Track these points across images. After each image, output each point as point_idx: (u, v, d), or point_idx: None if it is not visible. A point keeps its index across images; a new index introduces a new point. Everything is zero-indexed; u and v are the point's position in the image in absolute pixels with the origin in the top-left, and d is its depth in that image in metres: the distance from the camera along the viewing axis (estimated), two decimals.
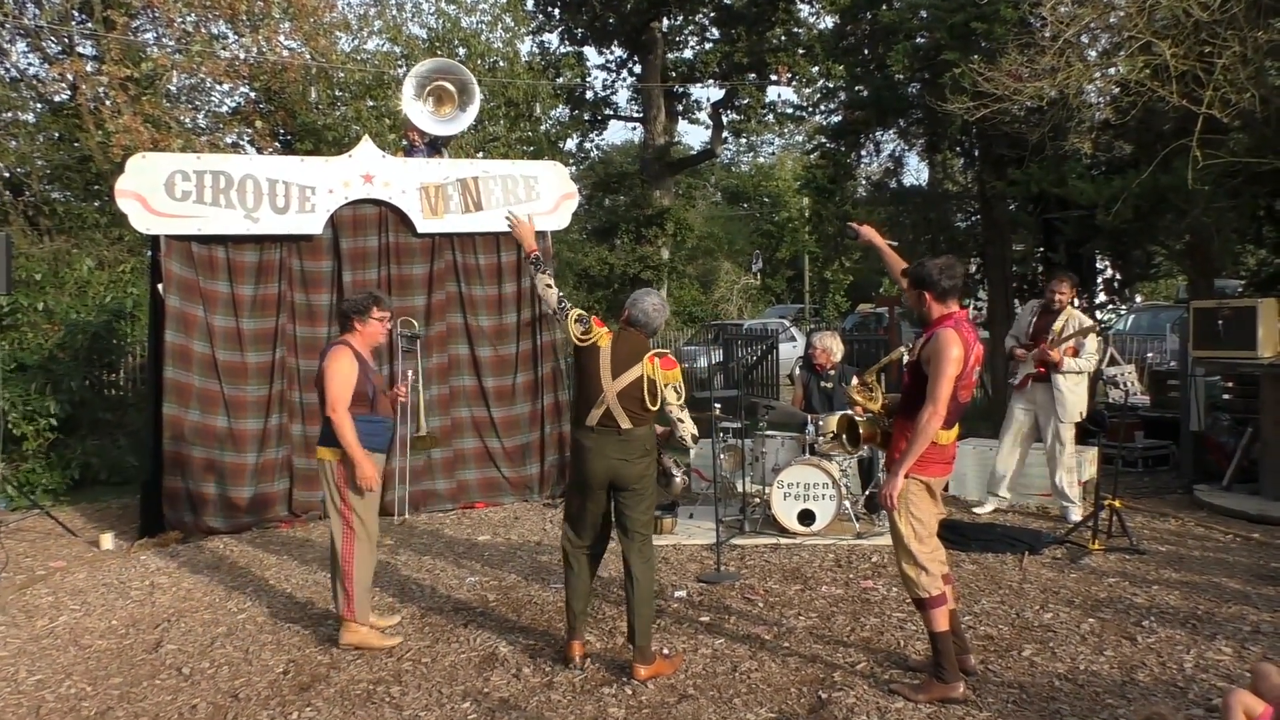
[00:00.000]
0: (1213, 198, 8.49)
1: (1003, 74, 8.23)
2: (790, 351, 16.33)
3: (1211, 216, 8.93)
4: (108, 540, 7.27)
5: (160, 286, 7.37)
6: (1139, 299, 20.05)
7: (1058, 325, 6.95)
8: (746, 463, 7.25)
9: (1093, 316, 12.09)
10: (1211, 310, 7.61)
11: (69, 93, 14.15)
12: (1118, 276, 13.22)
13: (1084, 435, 8.72)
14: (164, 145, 12.20)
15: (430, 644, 4.91)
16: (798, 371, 7.78)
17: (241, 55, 14.15)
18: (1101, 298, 13.32)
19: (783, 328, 18.75)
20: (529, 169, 8.61)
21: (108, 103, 13.05)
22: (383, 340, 5.09)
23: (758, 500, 7.14)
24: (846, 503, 6.79)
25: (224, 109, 15.66)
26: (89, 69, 13.72)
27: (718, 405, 6.93)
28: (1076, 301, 11.96)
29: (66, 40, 14.67)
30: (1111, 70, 8.63)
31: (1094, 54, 9.05)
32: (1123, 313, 16.92)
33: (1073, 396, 6.92)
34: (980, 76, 8.37)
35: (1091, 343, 6.91)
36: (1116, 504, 6.21)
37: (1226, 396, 8.39)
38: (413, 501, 7.94)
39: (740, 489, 7.19)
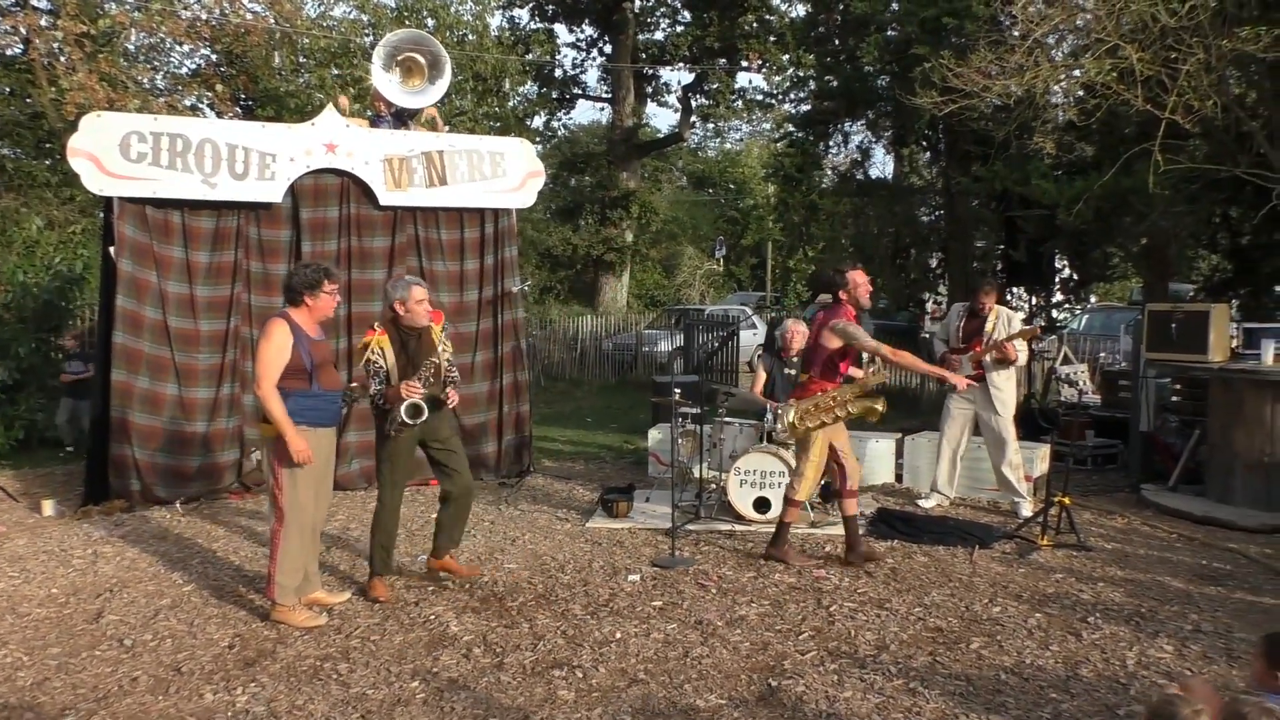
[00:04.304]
0: (1172, 202, 8.63)
1: (972, 70, 8.28)
2: (751, 339, 16.36)
3: (1170, 221, 9.09)
4: (49, 506, 7.11)
5: (112, 250, 7.18)
6: (1093, 299, 20.37)
7: (989, 326, 7.07)
8: (704, 449, 7.24)
9: (1048, 314, 12.29)
10: (1165, 313, 7.73)
11: (22, 47, 13.74)
12: (1075, 276, 13.42)
13: (1036, 432, 8.86)
14: (120, 105, 11.89)
15: (379, 621, 4.85)
16: (759, 357, 7.78)
17: (203, 16, 13.82)
18: (1058, 296, 13.52)
19: (744, 315, 18.79)
20: (495, 145, 8.51)
21: (62, 59, 12.71)
22: (330, 314, 4.96)
23: (714, 486, 7.14)
24: None
25: (183, 71, 15.31)
26: (43, 23, 13.33)
27: (677, 390, 6.92)
28: (1034, 299, 12.16)
29: None
30: (1078, 72, 8.71)
31: (1061, 55, 9.13)
32: (1078, 313, 17.17)
33: (1008, 390, 7.09)
34: (950, 72, 8.41)
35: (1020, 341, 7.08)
36: (1066, 501, 6.30)
37: (1176, 399, 8.54)
38: (365, 476, 7.85)
39: (697, 475, 7.19)
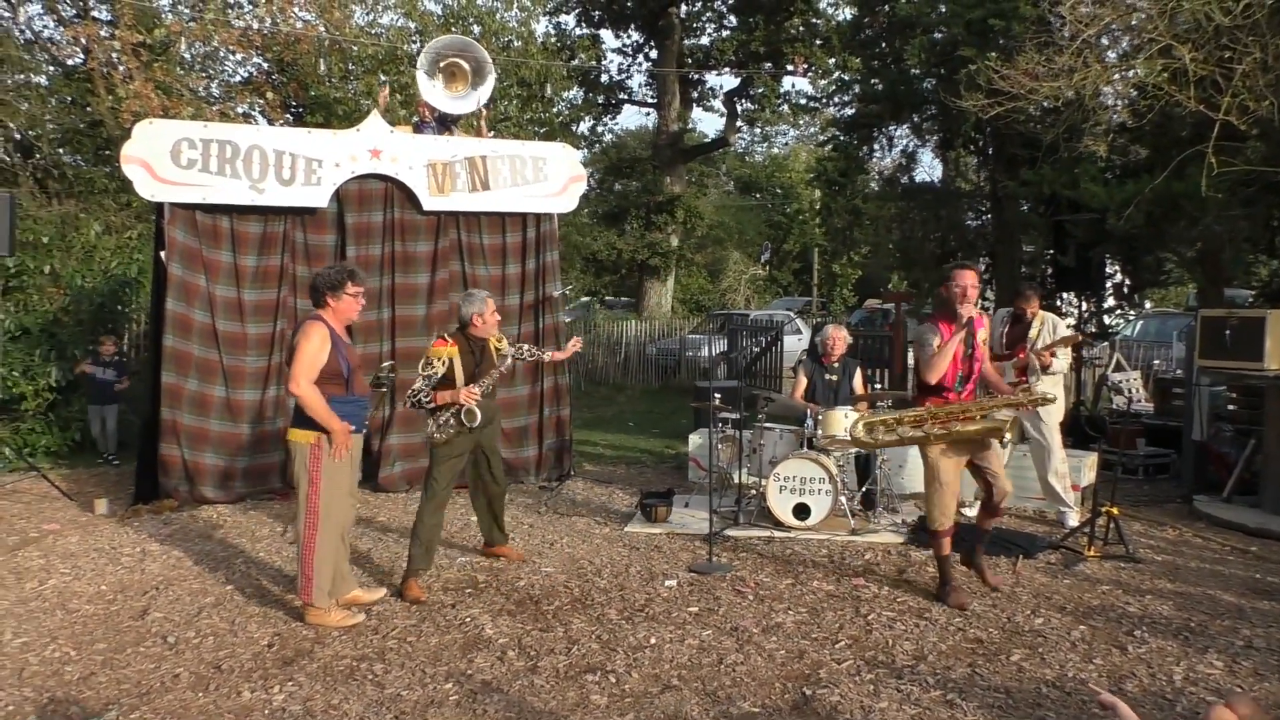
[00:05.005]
0: (1226, 206, 8.40)
1: (1019, 72, 8.14)
2: (795, 344, 16.26)
3: (1224, 225, 8.84)
4: (102, 505, 7.27)
5: (163, 254, 7.34)
6: (1148, 305, 19.93)
7: (1034, 332, 6.94)
8: (743, 454, 7.21)
9: (1099, 320, 12.04)
10: (1219, 320, 7.54)
11: (82, 56, 14.10)
12: (1127, 282, 13.12)
13: (1084, 441, 8.68)
14: (174, 112, 12.14)
15: (416, 623, 4.89)
16: (800, 363, 7.73)
17: (255, 25, 14.08)
18: (1110, 302, 13.23)
19: (788, 319, 18.68)
20: (538, 150, 8.55)
21: (120, 68, 13.00)
22: (356, 317, 5.00)
23: (753, 492, 7.10)
24: (842, 498, 6.75)
25: (236, 79, 15.59)
26: (102, 33, 13.66)
27: (717, 395, 6.89)
28: (1085, 305, 11.92)
29: (81, 3, 14.61)
30: (1130, 73, 8.53)
31: (1113, 56, 8.95)
32: (1131, 318, 16.81)
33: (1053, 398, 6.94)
34: (996, 74, 8.28)
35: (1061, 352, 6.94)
36: (1114, 511, 6.17)
37: (1231, 407, 8.32)
38: (407, 478, 7.92)
39: (736, 480, 7.16)
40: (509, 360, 5.74)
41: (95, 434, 9.42)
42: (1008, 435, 5.08)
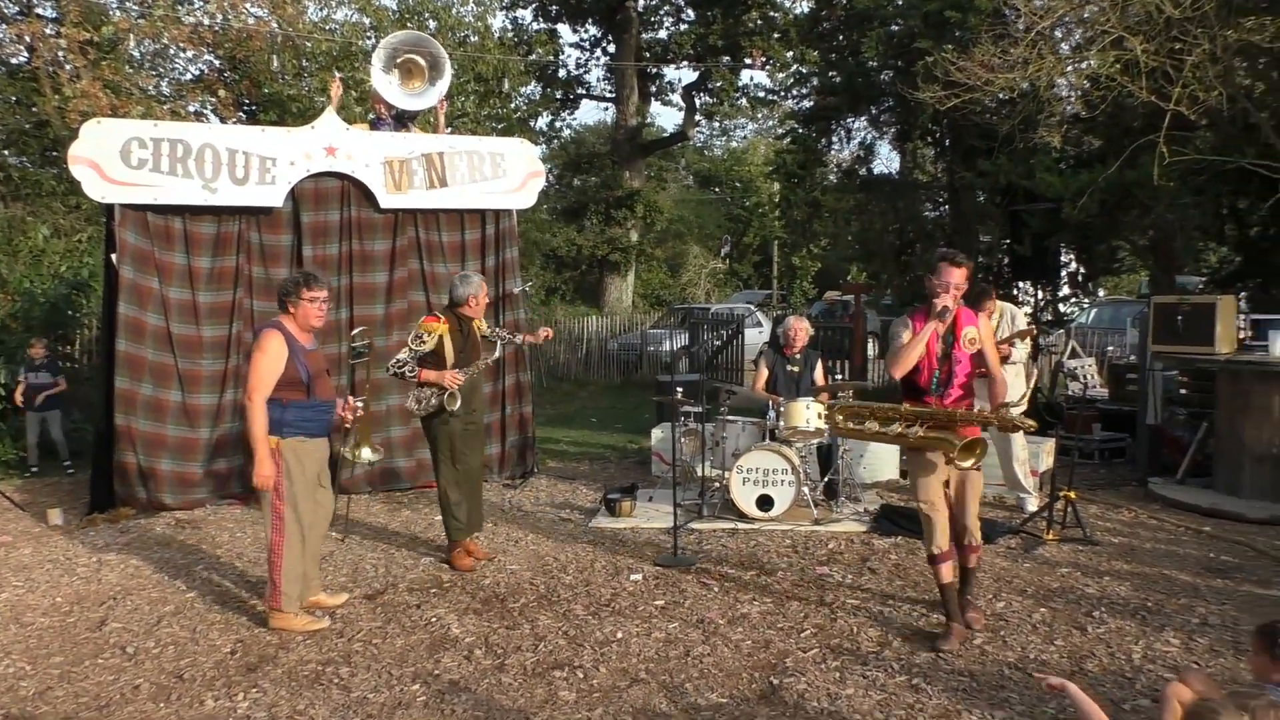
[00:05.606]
0: (1177, 194, 8.57)
1: (975, 64, 8.23)
2: (756, 338, 16.33)
3: (1176, 213, 9.01)
4: (55, 515, 7.13)
5: (114, 256, 7.20)
6: (1102, 293, 20.25)
7: (994, 324, 7.01)
8: (706, 447, 7.22)
9: (1055, 309, 12.22)
10: (1171, 306, 7.68)
11: (26, 55, 13.80)
12: (1082, 270, 13.32)
13: (1042, 427, 8.80)
14: (124, 112, 11.92)
15: (382, 625, 4.85)
16: (762, 354, 7.76)
17: (206, 21, 13.85)
18: (1065, 291, 13.42)
19: (749, 313, 18.75)
20: (495, 145, 8.49)
21: (66, 67, 12.73)
22: (318, 322, 4.91)
23: (717, 485, 7.12)
24: (805, 489, 6.79)
25: (187, 77, 15.34)
26: (47, 31, 13.37)
27: (679, 389, 6.90)
28: (1041, 293, 12.08)
29: (25, 0, 14.28)
30: (1083, 64, 8.65)
31: (1066, 48, 9.07)
32: (1085, 306, 17.06)
33: (1014, 386, 7.01)
34: (953, 66, 8.36)
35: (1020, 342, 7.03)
36: (1072, 495, 6.26)
37: (1183, 391, 8.48)
38: (371, 480, 7.85)
39: (700, 473, 7.17)
40: (497, 351, 5.90)
41: (31, 443, 9.06)
42: (960, 460, 4.30)
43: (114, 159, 7.15)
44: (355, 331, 5.71)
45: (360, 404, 5.43)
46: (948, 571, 4.54)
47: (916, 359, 4.48)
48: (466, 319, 5.75)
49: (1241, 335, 8.08)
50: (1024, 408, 7.18)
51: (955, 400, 4.52)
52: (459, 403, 5.55)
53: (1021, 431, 7.03)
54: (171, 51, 14.75)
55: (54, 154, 13.71)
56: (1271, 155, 7.63)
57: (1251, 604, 4.96)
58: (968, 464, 4.35)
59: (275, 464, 4.67)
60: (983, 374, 4.71)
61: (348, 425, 5.56)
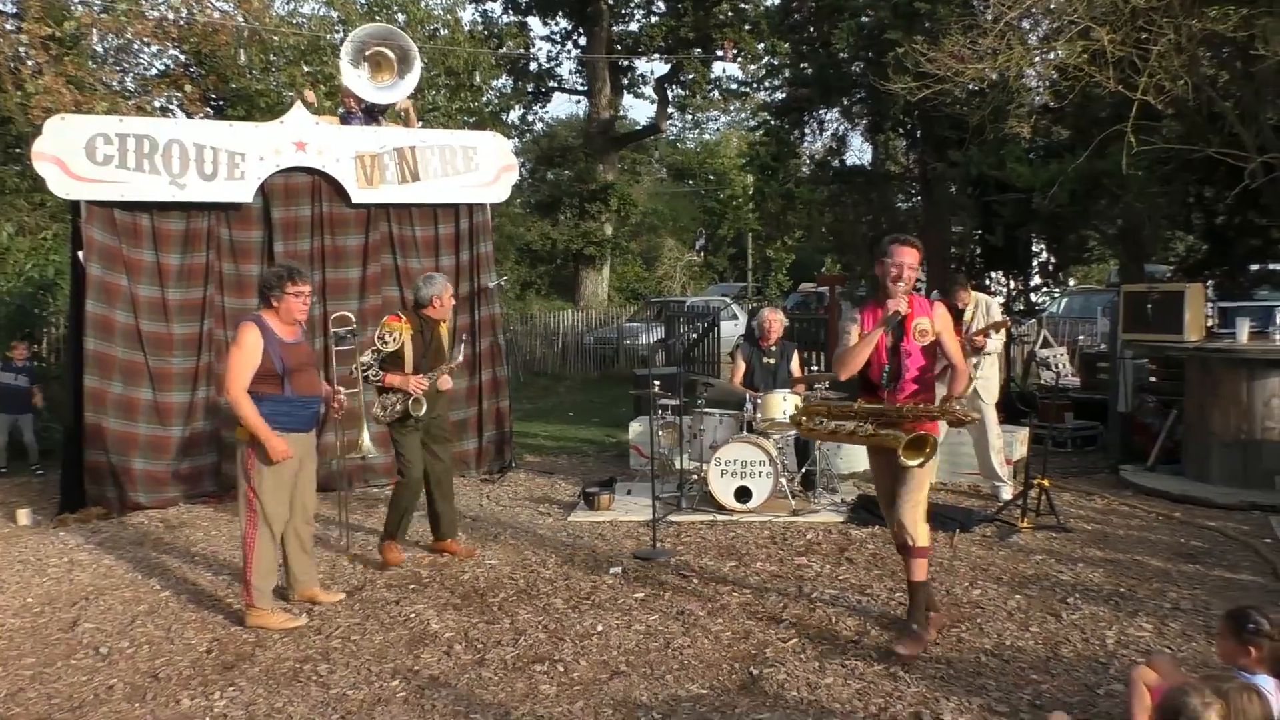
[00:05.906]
0: (1146, 183, 8.67)
1: (945, 55, 8.28)
2: (732, 329, 16.36)
3: (1144, 202, 9.12)
4: (25, 516, 7.03)
5: (80, 254, 7.10)
6: (1072, 282, 20.47)
7: (968, 315, 7.05)
8: (684, 440, 7.23)
9: (1026, 298, 12.34)
10: (1141, 294, 7.76)
11: None
12: (1053, 260, 13.47)
13: (1016, 416, 8.89)
14: (88, 108, 11.72)
15: (360, 621, 4.82)
16: (738, 347, 7.77)
17: (170, 16, 13.65)
18: (1037, 280, 13.56)
19: (724, 305, 18.78)
20: (468, 139, 8.45)
21: (28, 62, 12.49)
22: (302, 316, 4.87)
23: (695, 477, 7.13)
24: (783, 480, 6.81)
25: (152, 72, 15.11)
26: (8, 26, 13.12)
27: (656, 382, 6.90)
28: (1013, 283, 12.19)
29: None
30: (1051, 55, 8.73)
31: (1035, 38, 9.15)
32: (1056, 295, 17.26)
33: (989, 378, 7.06)
34: (923, 57, 8.40)
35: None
36: (1045, 483, 6.33)
37: (1153, 379, 8.59)
38: (349, 475, 7.78)
39: (678, 466, 7.18)
40: (460, 357, 5.85)
41: (0, 444, 8.93)
42: (906, 459, 4.04)
43: (79, 155, 7.04)
44: (336, 317, 5.67)
45: (344, 396, 5.45)
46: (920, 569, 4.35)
47: (863, 361, 4.28)
48: (430, 321, 5.64)
49: (1210, 323, 8.20)
50: (997, 396, 7.26)
51: (909, 395, 4.28)
52: (424, 408, 5.48)
53: (996, 421, 7.13)
54: (136, 46, 14.51)
55: (17, 150, 13.45)
56: (1236, 144, 7.73)
57: (1222, 588, 5.03)
58: (914, 462, 4.07)
59: (251, 457, 4.63)
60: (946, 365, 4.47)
61: (337, 418, 5.58)
